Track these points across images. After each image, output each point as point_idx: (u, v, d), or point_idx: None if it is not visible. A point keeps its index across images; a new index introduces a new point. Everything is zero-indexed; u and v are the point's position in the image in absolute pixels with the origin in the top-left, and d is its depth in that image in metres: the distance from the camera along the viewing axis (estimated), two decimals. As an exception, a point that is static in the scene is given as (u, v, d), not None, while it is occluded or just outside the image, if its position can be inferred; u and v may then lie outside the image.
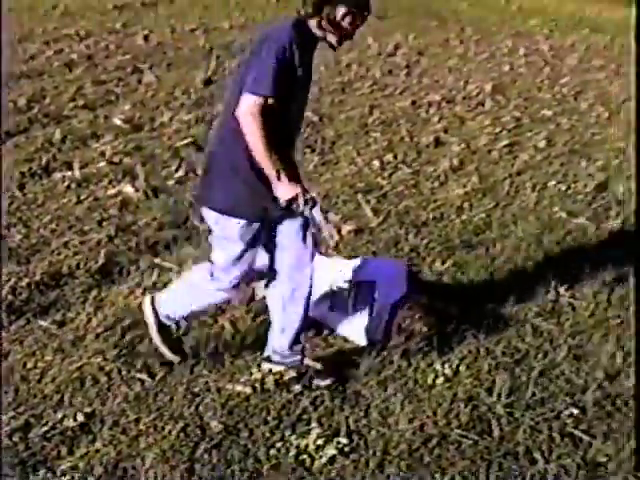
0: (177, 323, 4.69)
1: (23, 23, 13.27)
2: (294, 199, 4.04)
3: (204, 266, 4.58)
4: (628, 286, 5.95)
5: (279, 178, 4.01)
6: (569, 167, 8.68)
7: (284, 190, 4.04)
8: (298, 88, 4.12)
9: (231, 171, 4.17)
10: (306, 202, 4.06)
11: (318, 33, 4.13)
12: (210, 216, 4.36)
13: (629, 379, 4.82)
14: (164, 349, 4.61)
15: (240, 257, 4.30)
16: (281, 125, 4.07)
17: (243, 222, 4.19)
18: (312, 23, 4.11)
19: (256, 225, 4.23)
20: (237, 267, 4.36)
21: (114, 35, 13.12)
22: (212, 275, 4.45)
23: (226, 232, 4.27)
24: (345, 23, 4.08)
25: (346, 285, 5.09)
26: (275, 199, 4.10)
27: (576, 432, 4.33)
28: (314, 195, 4.14)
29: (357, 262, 5.31)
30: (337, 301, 5.10)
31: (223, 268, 4.38)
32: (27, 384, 4.39)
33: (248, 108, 3.91)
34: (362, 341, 4.95)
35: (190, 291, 4.63)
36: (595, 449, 4.20)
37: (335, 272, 5.20)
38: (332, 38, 4.14)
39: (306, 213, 4.12)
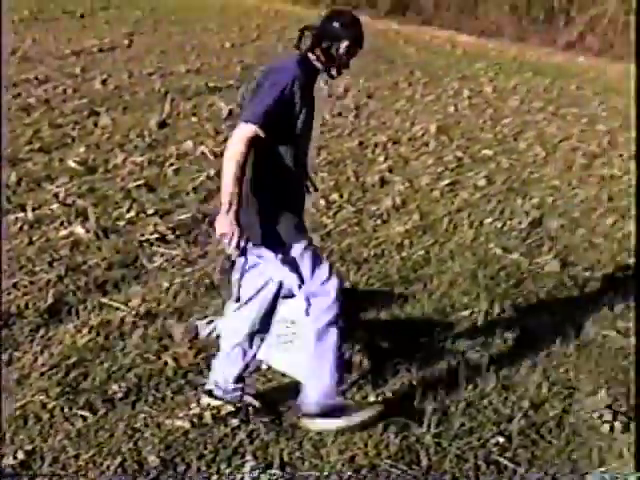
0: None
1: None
2: (225, 236, 4.06)
3: (294, 307, 4.65)
4: (559, 318, 6.06)
5: (227, 210, 4.03)
6: (506, 204, 8.79)
7: (221, 224, 4.05)
8: (300, 124, 4.20)
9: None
10: (237, 246, 4.08)
11: (318, 65, 4.30)
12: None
13: (554, 408, 4.90)
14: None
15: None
16: (281, 161, 4.20)
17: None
18: (312, 57, 4.28)
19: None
20: (316, 272, 4.34)
21: (72, 79, 13.10)
22: (309, 301, 4.39)
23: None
24: (344, 55, 4.29)
25: (285, 323, 5.12)
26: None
27: (501, 460, 4.38)
28: (245, 246, 4.15)
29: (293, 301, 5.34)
30: (276, 339, 5.13)
31: (307, 285, 4.35)
32: (-29, 422, 4.38)
33: (236, 134, 4.00)
34: (300, 377, 4.97)
35: (321, 337, 4.43)
36: (519, 476, 4.26)
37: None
38: (333, 69, 4.34)
39: (233, 257, 4.15)
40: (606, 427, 4.73)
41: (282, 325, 5.02)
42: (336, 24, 4.29)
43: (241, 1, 24.58)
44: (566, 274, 7.05)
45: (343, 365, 4.59)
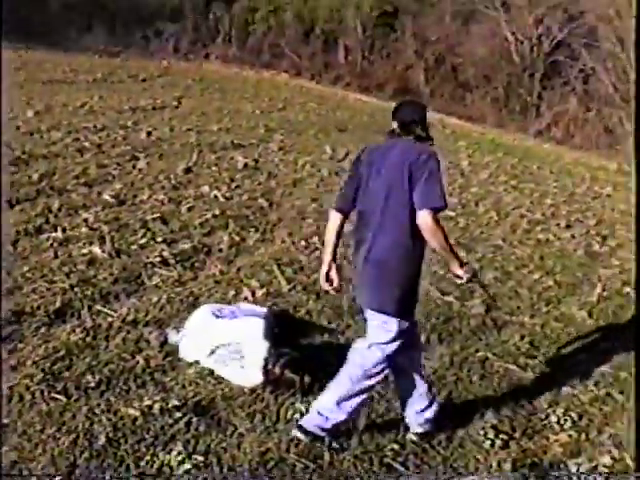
0: None
1: (54, 116, 13.40)
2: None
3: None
4: (472, 351, 6.02)
5: (461, 265, 4.33)
6: (453, 257, 8.74)
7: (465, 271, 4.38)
8: None
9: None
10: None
11: None
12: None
13: (450, 423, 4.83)
14: None
15: None
16: None
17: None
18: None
19: None
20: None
21: (123, 130, 13.21)
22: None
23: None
24: None
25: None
26: None
27: (393, 463, 4.33)
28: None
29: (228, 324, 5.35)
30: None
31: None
32: (-33, 397, 4.39)
33: (433, 221, 4.11)
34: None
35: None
36: (405, 478, 4.21)
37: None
38: None
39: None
40: (487, 443, 4.67)
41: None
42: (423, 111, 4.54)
43: (273, 77, 24.82)
44: (489, 316, 7.00)
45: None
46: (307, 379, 4.94)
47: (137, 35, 25.73)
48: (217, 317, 5.37)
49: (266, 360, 4.94)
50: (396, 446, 4.49)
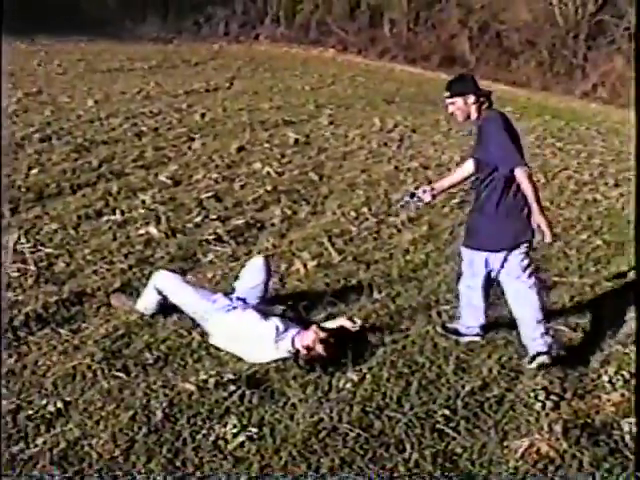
0: None
1: (113, 104, 13.45)
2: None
3: None
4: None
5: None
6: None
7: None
8: None
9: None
10: None
11: None
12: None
13: (499, 387, 4.70)
14: None
15: None
16: None
17: None
18: None
19: None
20: None
21: (178, 113, 13.18)
22: None
23: None
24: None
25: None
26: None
27: (445, 429, 4.22)
28: None
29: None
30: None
31: None
32: (33, 377, 4.41)
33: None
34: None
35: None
36: (457, 443, 4.10)
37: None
38: None
39: None
40: (538, 405, 4.52)
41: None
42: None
43: (321, 54, 24.56)
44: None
45: None
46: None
47: (189, 21, 25.71)
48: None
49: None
50: (447, 412, 4.37)
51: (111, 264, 6.30)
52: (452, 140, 13.53)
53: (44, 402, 4.10)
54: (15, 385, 4.30)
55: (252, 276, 5.38)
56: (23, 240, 6.50)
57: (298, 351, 4.72)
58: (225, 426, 3.97)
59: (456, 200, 9.25)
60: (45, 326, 5.07)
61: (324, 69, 21.34)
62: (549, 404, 4.54)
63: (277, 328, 4.87)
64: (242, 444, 3.85)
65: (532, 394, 4.63)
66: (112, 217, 7.44)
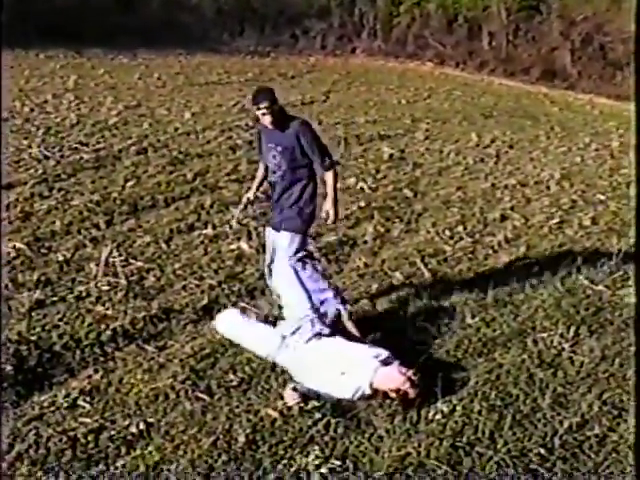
0: None
1: (209, 117, 13.54)
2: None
3: None
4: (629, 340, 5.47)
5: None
6: (604, 242, 8.14)
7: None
8: None
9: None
10: None
11: None
12: None
13: (601, 426, 4.38)
14: None
15: None
16: None
17: None
18: None
19: None
20: None
21: (278, 127, 13.12)
22: None
23: None
24: None
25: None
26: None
27: (540, 469, 3.94)
28: None
29: None
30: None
31: None
32: (117, 395, 4.36)
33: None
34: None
35: None
36: (553, 485, 3.82)
37: None
38: None
39: None
40: (645, 448, 4.19)
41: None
42: None
43: (418, 67, 24.23)
44: (643, 307, 6.39)
45: None
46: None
47: (286, 35, 25.81)
48: None
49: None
50: (543, 450, 4.10)
51: (201, 279, 6.26)
52: (551, 156, 13.07)
53: (127, 422, 4.04)
54: (99, 402, 4.27)
55: None
56: (115, 253, 6.53)
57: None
58: (307, 456, 3.82)
59: (555, 220, 8.87)
60: (132, 342, 5.05)
61: (421, 83, 21.03)
62: (657, 446, 4.20)
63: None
64: (324, 477, 3.68)
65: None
66: (204, 231, 7.42)
